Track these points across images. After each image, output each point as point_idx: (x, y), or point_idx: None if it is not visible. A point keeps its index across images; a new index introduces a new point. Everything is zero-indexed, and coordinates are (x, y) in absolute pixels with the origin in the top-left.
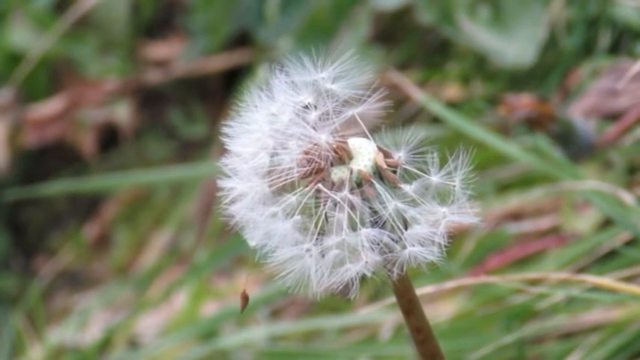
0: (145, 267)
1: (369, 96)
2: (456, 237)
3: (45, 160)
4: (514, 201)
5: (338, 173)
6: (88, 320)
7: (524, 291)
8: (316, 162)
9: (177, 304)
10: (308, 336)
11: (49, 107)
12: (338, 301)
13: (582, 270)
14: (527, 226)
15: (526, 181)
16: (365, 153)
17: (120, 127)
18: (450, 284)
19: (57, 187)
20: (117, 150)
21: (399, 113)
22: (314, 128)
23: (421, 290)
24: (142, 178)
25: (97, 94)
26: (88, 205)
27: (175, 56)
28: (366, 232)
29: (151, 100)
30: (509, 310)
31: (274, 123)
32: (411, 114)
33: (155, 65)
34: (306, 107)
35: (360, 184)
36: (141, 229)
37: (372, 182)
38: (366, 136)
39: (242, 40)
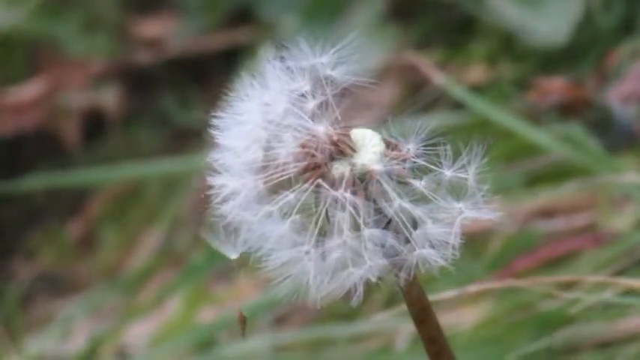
0: (134, 269)
1: (374, 82)
2: (480, 236)
3: (22, 150)
4: (545, 196)
5: (339, 168)
6: (72, 328)
7: (556, 296)
8: (315, 156)
9: (170, 310)
10: (316, 345)
11: (27, 91)
12: (349, 306)
13: (620, 272)
14: (559, 224)
15: (559, 173)
16: (369, 145)
17: (107, 113)
18: (474, 288)
19: (36, 181)
20: (103, 139)
21: (417, 98)
22: (312, 119)
23: (440, 295)
24: (131, 170)
25: (81, 77)
26: (71, 201)
27: (169, 35)
28: (370, 233)
29: (141, 84)
30: (539, 317)
31: (268, 113)
32: (431, 99)
33: (146, 45)
34: (303, 96)
35: (364, 179)
36: (130, 228)
37: (377, 178)
38: (371, 127)
39: (243, 16)
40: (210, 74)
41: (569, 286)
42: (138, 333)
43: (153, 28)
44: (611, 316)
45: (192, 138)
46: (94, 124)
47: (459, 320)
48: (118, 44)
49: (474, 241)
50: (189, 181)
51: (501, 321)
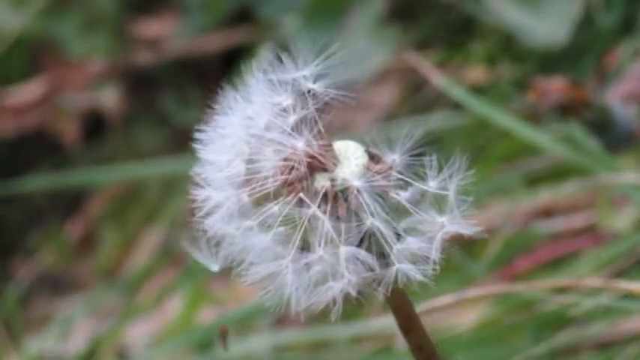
0: (134, 269)
1: (354, 97)
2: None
3: (23, 151)
4: (545, 196)
5: (321, 182)
6: (71, 329)
7: (555, 299)
8: (297, 169)
9: (170, 310)
10: (316, 346)
11: (27, 92)
12: (349, 308)
13: (620, 273)
14: (559, 224)
15: (558, 174)
16: (352, 158)
17: (106, 113)
18: (473, 292)
19: (36, 182)
20: (103, 139)
21: (417, 99)
22: (293, 132)
23: (439, 300)
24: (131, 170)
25: (81, 77)
26: (71, 201)
27: (169, 35)
28: (348, 249)
29: (141, 84)
30: (539, 318)
31: (250, 127)
32: (430, 100)
33: (146, 45)
34: (285, 110)
35: (345, 193)
36: (130, 228)
37: (356, 193)
38: (354, 139)
39: (243, 16)
40: (210, 74)
41: (568, 287)
42: (138, 333)
43: (153, 28)
44: (612, 317)
45: (191, 138)
46: (94, 124)
47: (458, 321)
48: (118, 44)
49: (474, 241)
50: (189, 181)
51: (501, 322)
